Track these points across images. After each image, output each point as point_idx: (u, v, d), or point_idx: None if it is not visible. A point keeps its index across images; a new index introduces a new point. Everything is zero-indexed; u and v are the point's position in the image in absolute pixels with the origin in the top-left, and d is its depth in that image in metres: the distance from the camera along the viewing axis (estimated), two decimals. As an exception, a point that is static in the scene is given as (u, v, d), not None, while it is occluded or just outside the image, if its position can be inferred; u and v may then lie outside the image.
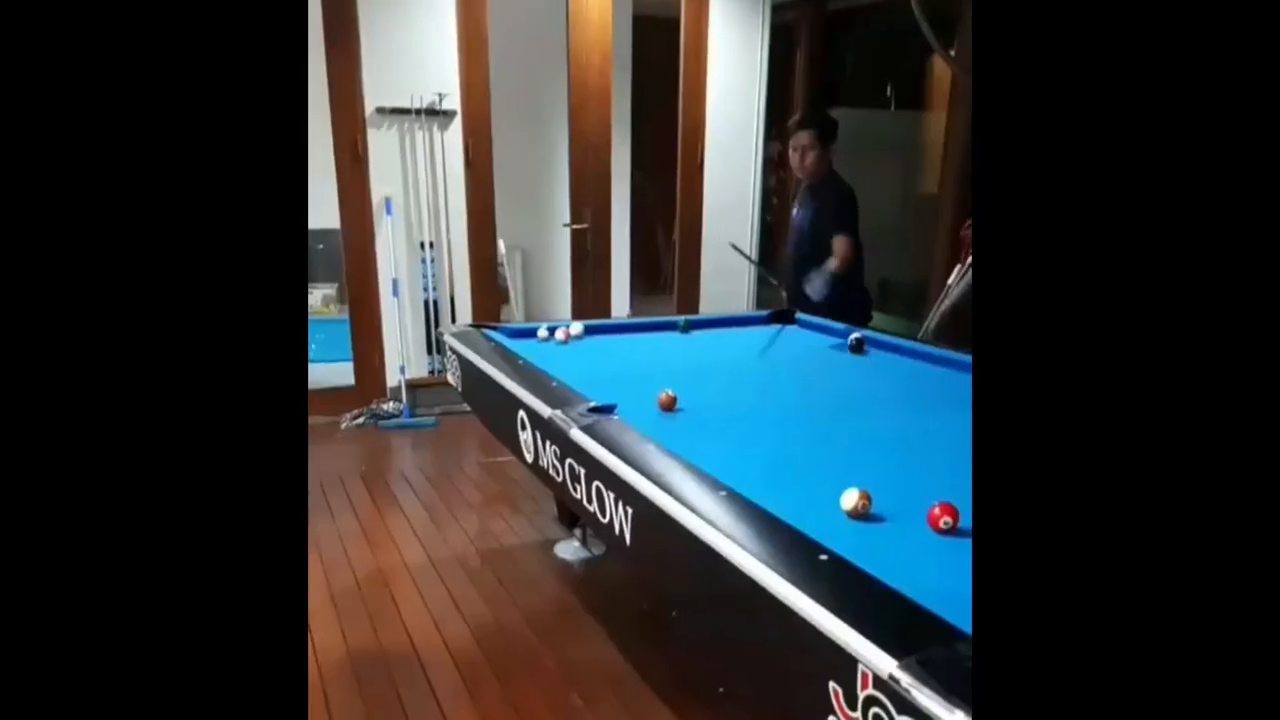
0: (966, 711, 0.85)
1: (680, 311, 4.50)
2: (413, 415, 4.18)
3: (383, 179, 4.04)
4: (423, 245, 4.19)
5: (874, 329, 2.90)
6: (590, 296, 4.60)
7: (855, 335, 2.67)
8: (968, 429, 1.89)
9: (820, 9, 6.26)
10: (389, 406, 4.19)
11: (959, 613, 1.00)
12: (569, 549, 2.81)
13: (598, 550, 2.77)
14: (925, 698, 0.88)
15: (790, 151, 3.26)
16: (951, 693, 0.86)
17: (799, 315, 3.11)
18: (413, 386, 4.23)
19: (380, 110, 3.94)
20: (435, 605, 2.47)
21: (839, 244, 3.14)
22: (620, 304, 5.04)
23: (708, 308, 4.82)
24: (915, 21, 3.92)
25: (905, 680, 0.90)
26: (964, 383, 2.25)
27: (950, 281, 3.76)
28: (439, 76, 3.99)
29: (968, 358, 2.40)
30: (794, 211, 3.41)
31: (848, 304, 3.12)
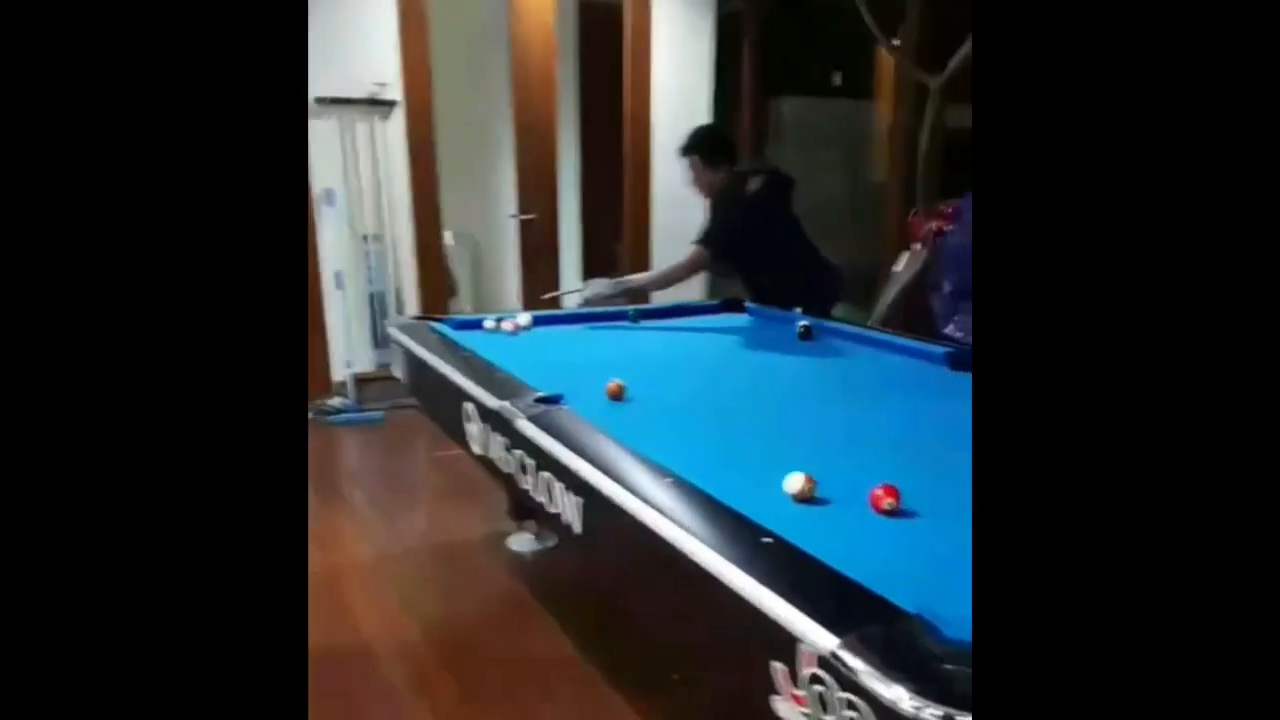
0: (905, 686, 0.86)
1: (631, 302, 4.50)
2: (360, 410, 4.11)
3: (324, 170, 3.96)
4: (366, 238, 4.12)
5: (823, 316, 2.92)
6: (540, 287, 4.56)
7: (803, 323, 2.69)
8: (911, 412, 1.92)
9: (766, -1, 6.29)
10: (335, 402, 4.12)
11: (899, 591, 1.02)
12: (521, 541, 2.79)
13: (550, 542, 2.76)
14: (865, 674, 0.89)
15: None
16: (890, 668, 0.88)
17: (749, 304, 3.13)
18: (359, 381, 4.16)
19: (320, 101, 3.85)
20: (387, 602, 2.44)
21: (689, 253, 3.04)
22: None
23: (659, 297, 4.82)
24: (860, 11, 3.97)
25: (845, 657, 0.91)
26: (908, 367, 2.29)
27: (898, 268, 3.82)
28: (380, 66, 3.92)
29: (912, 343, 2.44)
30: None
31: (798, 294, 3.05)
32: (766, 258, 3.09)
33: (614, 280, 2.97)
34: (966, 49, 3.15)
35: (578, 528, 1.56)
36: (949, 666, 0.88)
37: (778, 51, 6.61)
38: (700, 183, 3.13)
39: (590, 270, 5.69)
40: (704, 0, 4.76)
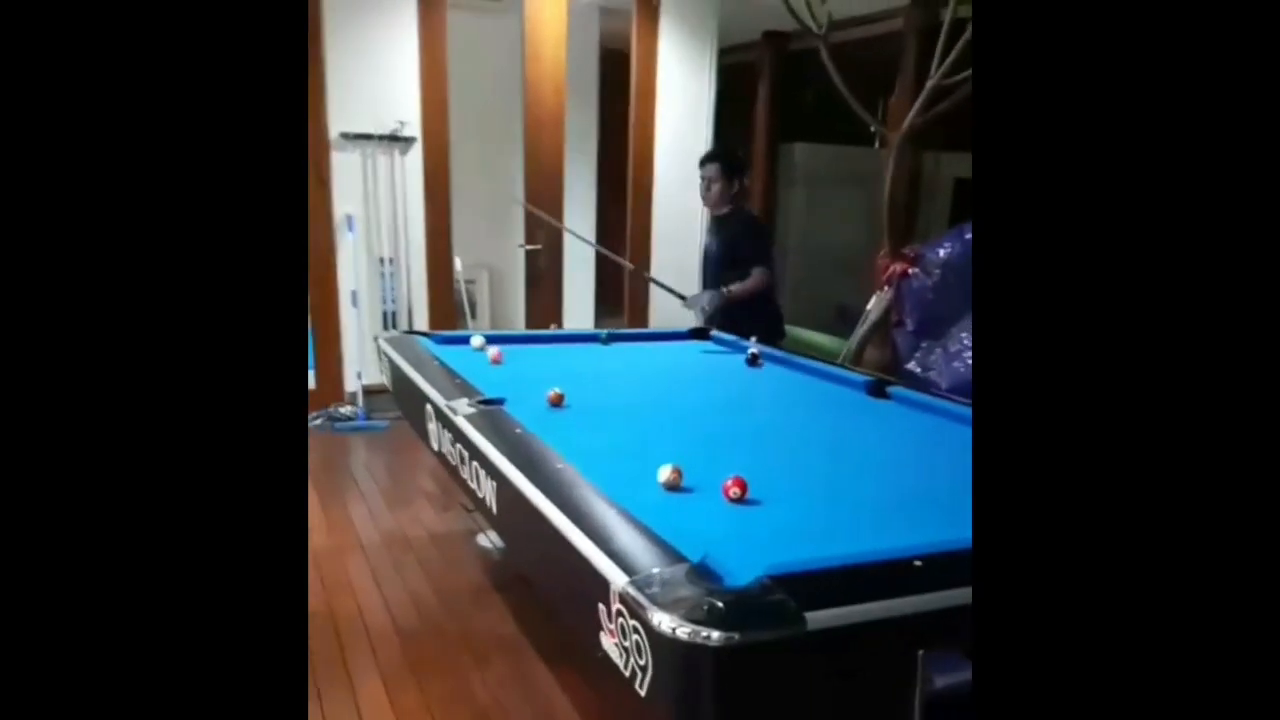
0: (667, 613, 1.11)
1: (631, 327, 4.81)
2: (367, 419, 4.44)
3: (345, 198, 4.34)
4: (382, 260, 4.48)
5: (782, 348, 3.17)
6: (544, 313, 4.88)
7: (752, 350, 2.94)
8: (807, 426, 2.15)
9: (781, 49, 6.62)
10: (346, 410, 4.45)
11: (698, 550, 1.27)
12: (487, 538, 3.06)
13: (514, 540, 3.02)
14: (641, 603, 1.14)
15: (700, 180, 3.55)
16: (655, 601, 1.13)
17: (713, 332, 3.39)
18: (368, 392, 4.50)
19: (345, 135, 4.24)
20: (359, 582, 2.73)
21: (756, 274, 3.43)
22: (576, 319, 5.32)
23: (656, 324, 5.10)
24: (879, 61, 4.25)
25: (630, 593, 1.17)
26: (830, 392, 2.53)
27: (869, 307, 4.05)
28: (400, 105, 4.30)
29: (843, 372, 2.69)
30: (704, 239, 3.70)
31: (758, 324, 3.35)
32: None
33: (717, 291, 3.44)
34: (917, 106, 3.42)
35: (495, 509, 1.84)
36: (709, 599, 1.13)
37: (790, 100, 6.92)
38: (713, 189, 3.48)
39: (601, 296, 6.02)
40: (706, 50, 5.07)
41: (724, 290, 3.39)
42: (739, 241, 3.46)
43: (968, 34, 3.00)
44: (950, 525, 1.42)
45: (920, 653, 1.16)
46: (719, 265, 3.52)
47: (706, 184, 3.49)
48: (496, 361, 2.76)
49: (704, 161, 3.52)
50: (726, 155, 3.52)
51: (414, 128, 4.36)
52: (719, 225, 3.57)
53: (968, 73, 3.05)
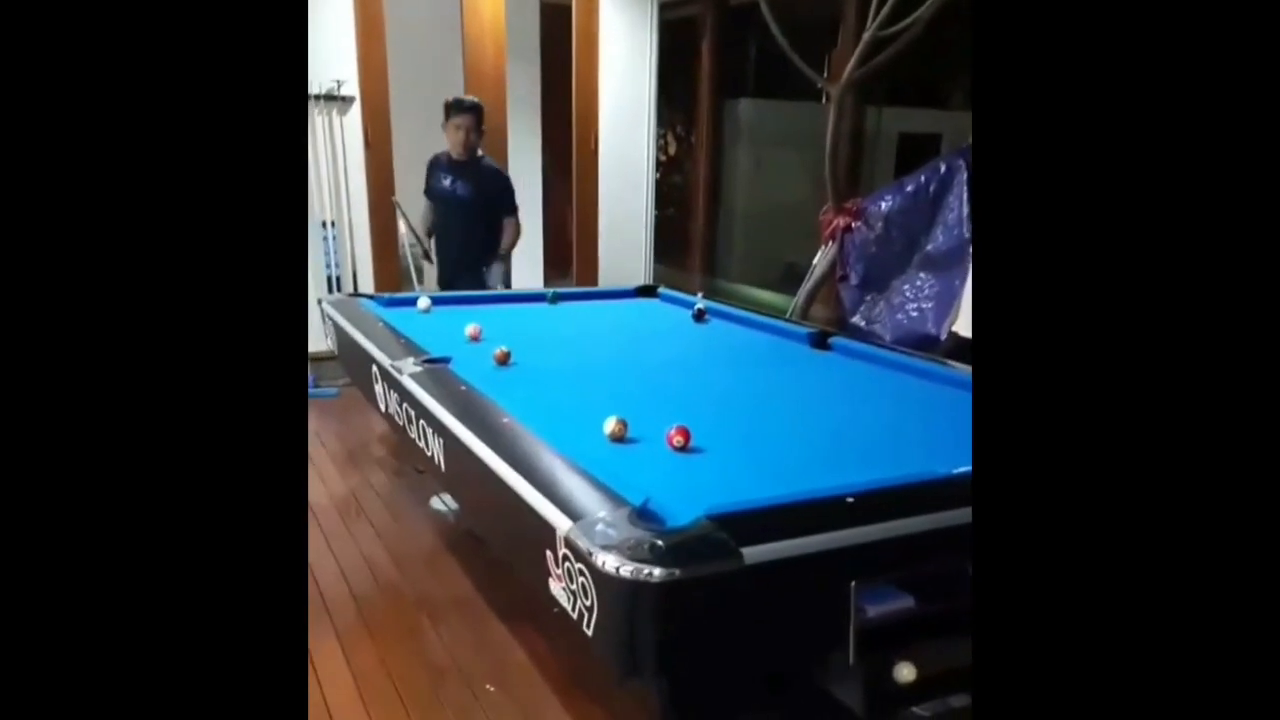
0: (610, 553, 1.14)
1: (580, 286, 4.81)
2: (316, 386, 4.39)
3: (284, 160, 4.24)
4: (324, 224, 4.40)
5: (724, 302, 3.21)
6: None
7: (698, 306, 2.98)
8: (749, 377, 2.21)
9: (724, 3, 6.58)
10: (293, 378, 4.40)
11: (641, 495, 1.30)
12: (441, 501, 3.08)
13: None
14: (584, 545, 1.18)
15: (454, 129, 3.59)
16: (596, 541, 1.16)
17: (661, 289, 3.42)
18: (316, 359, 4.43)
19: (280, 95, 4.13)
20: (312, 549, 2.72)
21: (510, 226, 3.66)
22: (524, 279, 5.30)
23: (605, 283, 5.11)
24: (820, 16, 4.21)
25: (573, 536, 1.20)
26: (774, 345, 2.58)
27: (815, 262, 4.09)
28: (337, 64, 4.19)
29: (786, 325, 2.74)
30: (445, 182, 3.70)
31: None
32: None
33: (499, 261, 3.71)
34: (854, 59, 3.45)
35: (443, 466, 1.85)
36: (651, 538, 1.17)
37: (735, 55, 6.89)
38: (470, 137, 3.61)
39: (549, 256, 6.00)
40: (647, 4, 5.04)
41: (502, 255, 3.66)
42: (495, 193, 3.64)
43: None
44: (882, 464, 1.48)
45: (853, 584, 1.22)
46: (474, 212, 3.65)
47: (465, 132, 3.57)
48: (475, 339, 2.56)
49: (462, 110, 3.59)
50: (479, 107, 3.65)
51: (352, 86, 4.26)
52: (464, 169, 3.65)
53: (903, 24, 3.09)
